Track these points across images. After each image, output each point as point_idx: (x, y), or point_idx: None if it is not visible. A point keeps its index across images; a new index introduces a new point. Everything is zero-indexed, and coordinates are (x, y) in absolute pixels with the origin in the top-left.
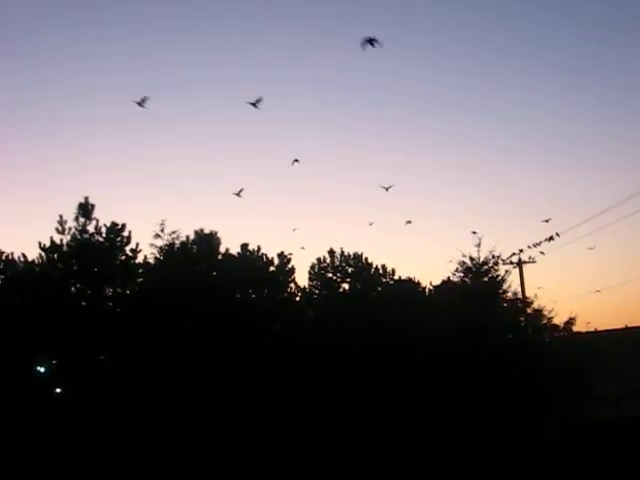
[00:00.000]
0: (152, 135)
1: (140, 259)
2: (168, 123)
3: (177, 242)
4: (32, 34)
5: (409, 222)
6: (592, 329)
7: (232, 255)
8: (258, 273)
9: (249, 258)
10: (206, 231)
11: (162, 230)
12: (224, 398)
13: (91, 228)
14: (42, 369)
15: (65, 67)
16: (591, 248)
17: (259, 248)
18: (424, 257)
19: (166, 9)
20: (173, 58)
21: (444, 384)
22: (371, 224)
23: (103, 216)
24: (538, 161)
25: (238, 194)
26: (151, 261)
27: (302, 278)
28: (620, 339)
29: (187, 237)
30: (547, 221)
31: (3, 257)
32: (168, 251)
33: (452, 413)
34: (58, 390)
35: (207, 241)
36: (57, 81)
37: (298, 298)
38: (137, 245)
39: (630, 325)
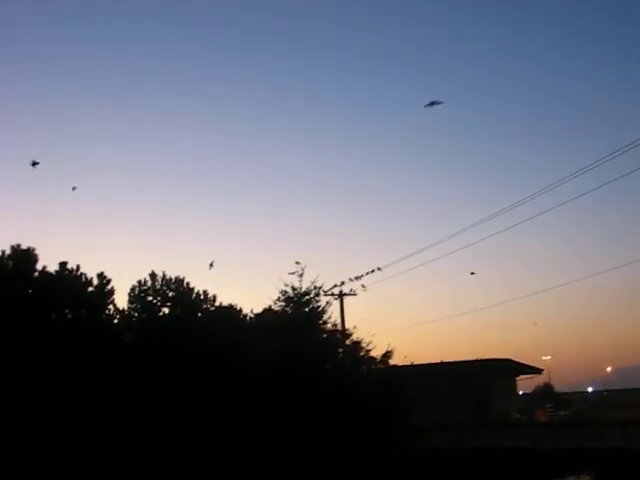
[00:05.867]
0: None
1: None
2: None
3: None
4: None
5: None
6: (409, 362)
7: (49, 273)
8: (76, 293)
9: (67, 277)
10: (23, 247)
11: None
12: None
13: None
14: None
15: None
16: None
17: (78, 267)
18: (246, 285)
19: None
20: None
21: (258, 402)
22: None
23: None
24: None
25: None
26: None
27: (122, 300)
28: (435, 373)
29: (3, 252)
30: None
31: None
32: None
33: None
34: None
35: (24, 257)
36: None
37: (116, 320)
38: None
39: (445, 360)
